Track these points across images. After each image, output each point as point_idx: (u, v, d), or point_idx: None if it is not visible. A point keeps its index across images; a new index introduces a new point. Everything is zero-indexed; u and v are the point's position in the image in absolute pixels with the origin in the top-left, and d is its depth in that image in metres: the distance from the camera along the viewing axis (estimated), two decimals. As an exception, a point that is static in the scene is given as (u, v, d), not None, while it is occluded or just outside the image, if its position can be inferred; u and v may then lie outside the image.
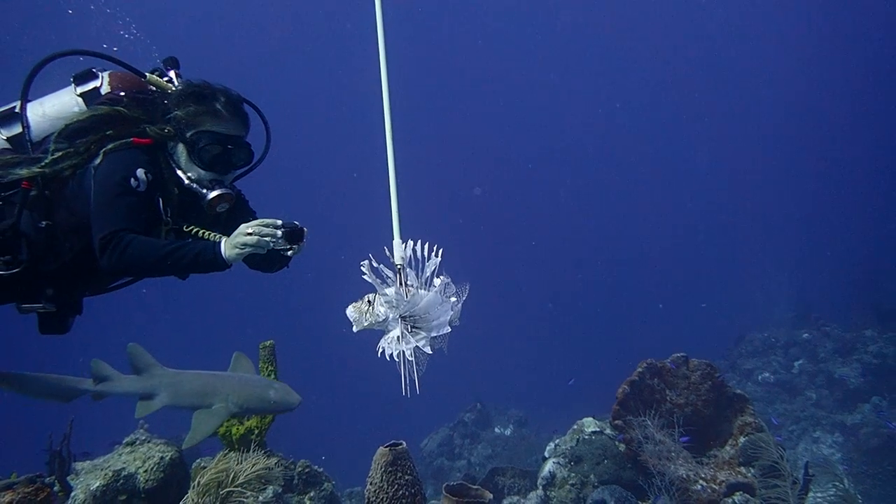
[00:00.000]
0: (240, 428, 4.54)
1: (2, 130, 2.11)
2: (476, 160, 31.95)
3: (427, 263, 1.35)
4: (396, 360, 1.36)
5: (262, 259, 2.09)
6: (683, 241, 29.42)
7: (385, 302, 1.36)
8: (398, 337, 1.37)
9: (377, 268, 1.32)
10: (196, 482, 2.32)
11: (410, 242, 1.35)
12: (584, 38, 30.85)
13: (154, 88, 2.16)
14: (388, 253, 1.37)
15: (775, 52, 29.39)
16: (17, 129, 2.09)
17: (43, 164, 1.95)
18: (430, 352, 1.38)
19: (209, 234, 2.04)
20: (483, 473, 6.61)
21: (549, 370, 16.60)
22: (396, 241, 1.40)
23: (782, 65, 29.60)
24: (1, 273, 2.01)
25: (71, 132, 2.01)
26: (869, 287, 12.79)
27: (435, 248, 1.35)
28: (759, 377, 10.39)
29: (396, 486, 3.27)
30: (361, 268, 1.32)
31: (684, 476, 4.54)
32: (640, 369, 5.12)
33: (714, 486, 4.52)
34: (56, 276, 2.11)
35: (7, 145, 2.12)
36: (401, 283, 1.37)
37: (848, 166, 28.43)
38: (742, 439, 4.77)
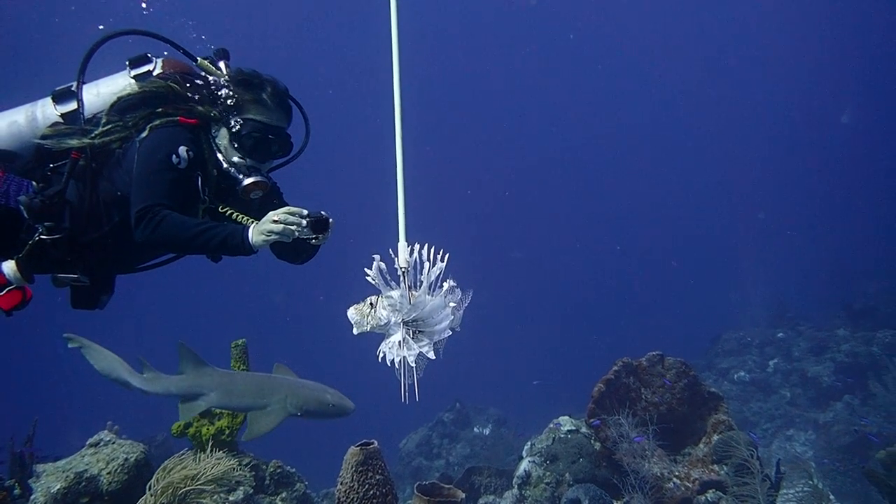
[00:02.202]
0: (210, 428, 4.47)
1: (57, 106, 2.19)
2: (464, 162, 31.99)
3: (432, 268, 1.31)
4: (397, 366, 1.32)
5: (290, 249, 2.17)
6: (661, 243, 29.71)
7: (388, 305, 1.33)
8: (400, 342, 1.34)
9: (382, 270, 1.29)
10: (153, 481, 2.25)
11: (416, 245, 1.32)
12: (585, 45, 31.10)
13: (204, 74, 2.23)
14: (392, 255, 1.33)
15: (764, 58, 29.86)
16: (72, 106, 2.18)
17: (93, 135, 2.05)
18: (433, 357, 1.35)
19: (242, 218, 2.09)
20: (461, 473, 6.58)
21: (528, 370, 16.65)
22: (402, 243, 1.36)
23: (768, 70, 30.11)
24: (43, 237, 2.07)
25: (122, 106, 2.11)
26: (841, 287, 13.02)
27: (440, 253, 1.31)
28: (735, 376, 10.52)
29: (367, 486, 3.22)
30: (366, 269, 1.29)
31: (658, 474, 4.56)
32: (615, 368, 5.12)
33: (687, 484, 4.54)
34: (93, 246, 2.17)
35: (61, 120, 2.20)
36: (406, 287, 1.33)
37: (821, 171, 29.00)
38: (715, 437, 4.80)
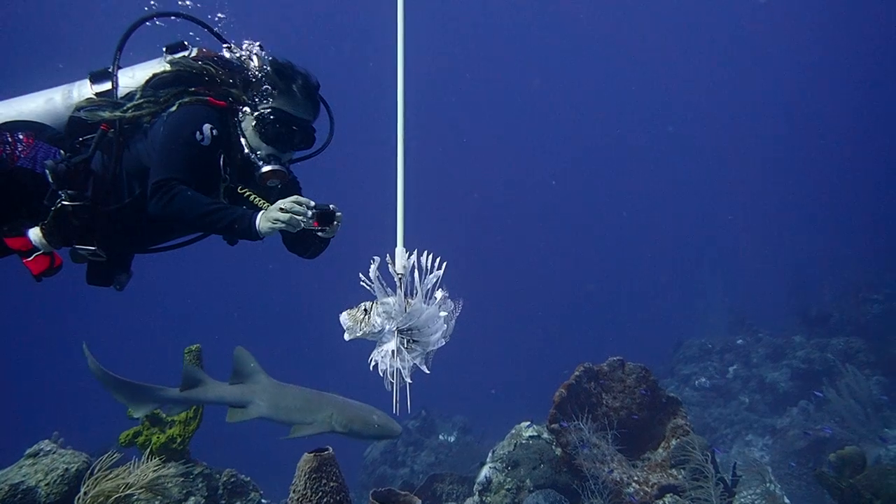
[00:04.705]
0: (161, 436, 4.30)
1: (93, 86, 2.28)
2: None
3: (429, 275, 1.26)
4: (391, 378, 1.28)
5: (299, 241, 2.23)
6: (624, 250, 30.12)
7: (383, 312, 1.28)
8: (393, 351, 1.29)
9: (378, 275, 1.24)
10: (82, 494, 2.14)
11: (415, 251, 1.27)
12: (586, 45, 31.44)
13: (238, 61, 2.30)
14: (389, 261, 1.29)
15: (743, 63, 30.55)
16: (108, 86, 2.27)
17: (125, 108, 2.14)
18: (427, 371, 1.31)
19: (260, 201, 2.14)
20: (424, 481, 6.51)
21: (493, 376, 16.66)
22: (399, 248, 1.33)
23: (737, 78, 30.88)
24: (65, 203, 2.12)
25: (156, 83, 2.20)
26: (797, 294, 13.37)
27: (438, 260, 1.27)
28: (696, 382, 10.68)
29: (321, 494, 3.12)
30: (361, 274, 1.25)
31: (618, 479, 4.57)
32: (577, 373, 5.13)
33: (646, 489, 4.56)
34: (113, 218, 2.22)
35: (95, 98, 2.29)
36: (402, 294, 1.29)
37: (779, 182, 29.86)
38: (674, 442, 4.84)
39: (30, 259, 2.18)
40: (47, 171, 2.12)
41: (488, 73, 32.48)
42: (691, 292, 19.77)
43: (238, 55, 2.29)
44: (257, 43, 2.34)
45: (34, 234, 2.17)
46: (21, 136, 2.21)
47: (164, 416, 4.42)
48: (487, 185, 33.51)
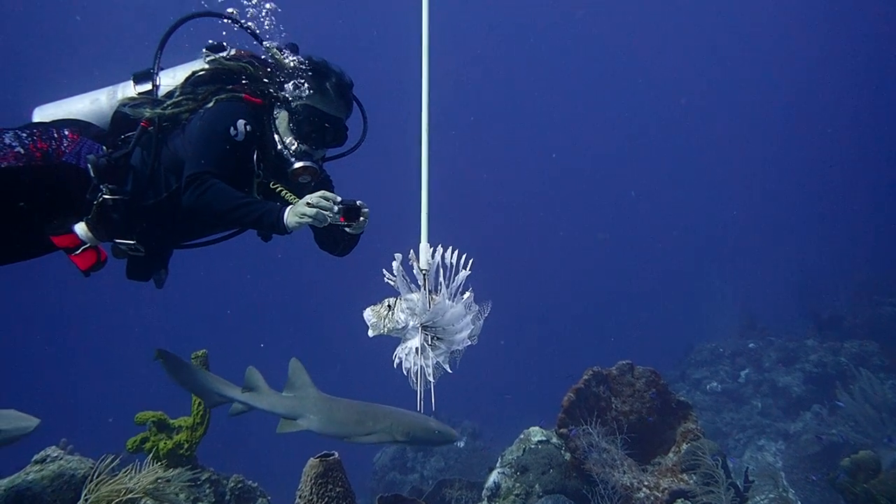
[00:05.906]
0: (168, 442, 4.30)
1: (137, 86, 2.37)
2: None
3: (456, 273, 1.25)
4: (414, 376, 1.27)
5: (329, 238, 2.30)
6: (632, 254, 29.92)
7: (407, 308, 1.27)
8: (417, 349, 1.28)
9: (401, 271, 1.23)
10: (82, 501, 2.13)
11: (440, 248, 1.25)
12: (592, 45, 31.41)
13: (274, 59, 2.32)
14: (413, 257, 1.28)
15: (752, 61, 30.36)
16: (150, 86, 2.36)
17: (165, 105, 2.22)
18: (450, 370, 1.30)
19: (291, 197, 2.16)
20: (433, 486, 6.47)
21: (503, 380, 16.58)
22: (423, 244, 1.31)
23: (746, 75, 30.70)
24: (105, 197, 2.18)
25: (195, 80, 2.29)
26: (809, 297, 13.21)
27: (464, 258, 1.25)
28: (708, 387, 10.57)
29: (327, 499, 3.12)
30: (385, 270, 1.24)
31: (628, 484, 4.52)
32: (586, 377, 5.09)
33: (657, 494, 4.50)
34: (151, 212, 2.27)
35: (137, 97, 2.37)
36: (426, 291, 1.27)
37: (789, 182, 29.62)
38: (685, 446, 4.78)
39: (77, 254, 2.23)
40: (89, 166, 2.19)
41: (502, 61, 32.39)
42: (700, 295, 19.59)
43: (273, 54, 2.33)
44: (292, 45, 2.40)
45: (80, 228, 2.23)
46: (66, 133, 2.29)
47: (170, 421, 4.42)
48: (491, 182, 33.46)
